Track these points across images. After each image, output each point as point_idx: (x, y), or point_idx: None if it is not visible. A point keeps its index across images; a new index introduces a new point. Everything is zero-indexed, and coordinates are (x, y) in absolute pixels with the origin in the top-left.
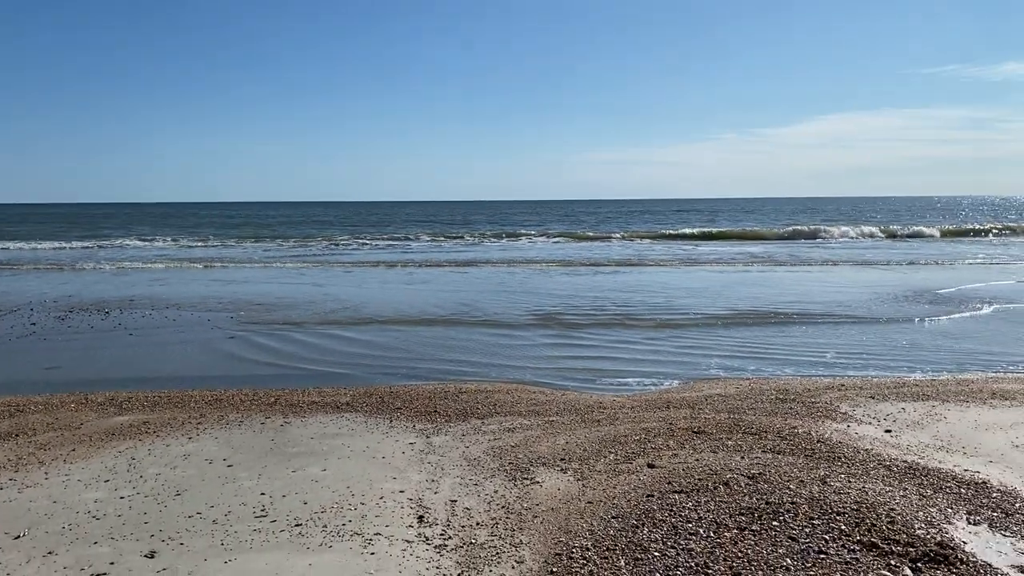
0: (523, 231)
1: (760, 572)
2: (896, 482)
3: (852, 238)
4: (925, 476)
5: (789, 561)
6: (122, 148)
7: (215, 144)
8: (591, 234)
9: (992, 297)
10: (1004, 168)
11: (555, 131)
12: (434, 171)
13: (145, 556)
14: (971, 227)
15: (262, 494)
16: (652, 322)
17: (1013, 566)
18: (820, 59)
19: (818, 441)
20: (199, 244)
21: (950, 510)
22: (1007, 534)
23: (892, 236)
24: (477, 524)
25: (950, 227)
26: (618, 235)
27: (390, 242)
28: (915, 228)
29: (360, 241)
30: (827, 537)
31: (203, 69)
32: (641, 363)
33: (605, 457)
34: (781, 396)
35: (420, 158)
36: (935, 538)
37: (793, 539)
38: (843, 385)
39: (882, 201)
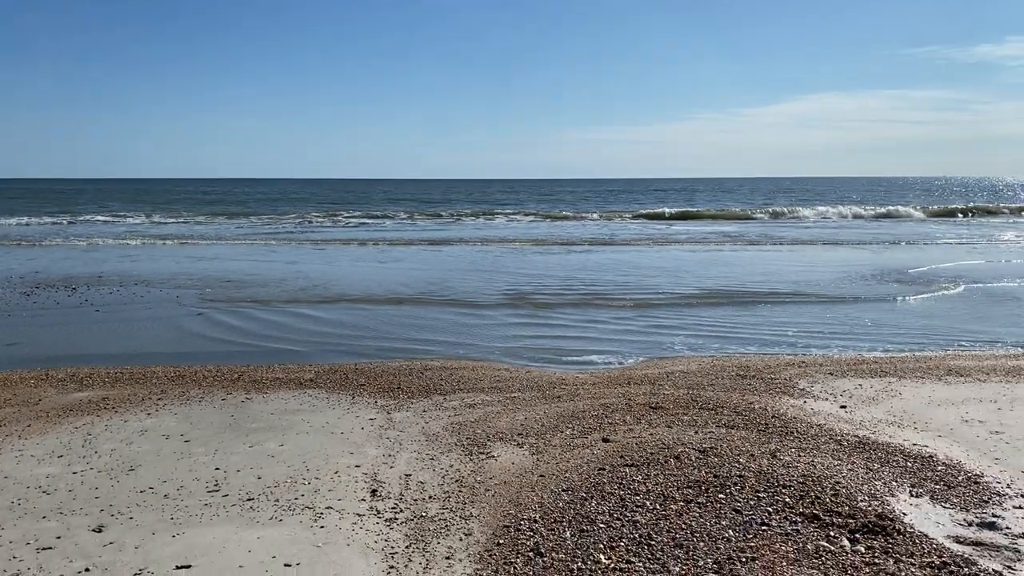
0: (499, 210)
1: (702, 543)
2: (845, 456)
3: (827, 218)
4: (874, 450)
5: (731, 532)
6: (94, 123)
7: (190, 120)
8: (568, 213)
9: (958, 276)
10: (979, 149)
11: (532, 109)
12: (410, 149)
13: (93, 531)
14: (946, 207)
15: (216, 469)
16: (621, 301)
17: (949, 536)
18: (798, 40)
19: (773, 416)
20: (171, 220)
21: (894, 483)
22: (947, 506)
23: (864, 217)
24: (429, 498)
25: (933, 207)
26: (594, 215)
27: (364, 220)
28: (889, 208)
29: (334, 219)
30: (771, 509)
31: (178, 43)
32: (607, 342)
33: (562, 432)
34: (741, 373)
35: (396, 136)
36: (876, 510)
37: (737, 511)
38: (803, 362)
39: (858, 182)
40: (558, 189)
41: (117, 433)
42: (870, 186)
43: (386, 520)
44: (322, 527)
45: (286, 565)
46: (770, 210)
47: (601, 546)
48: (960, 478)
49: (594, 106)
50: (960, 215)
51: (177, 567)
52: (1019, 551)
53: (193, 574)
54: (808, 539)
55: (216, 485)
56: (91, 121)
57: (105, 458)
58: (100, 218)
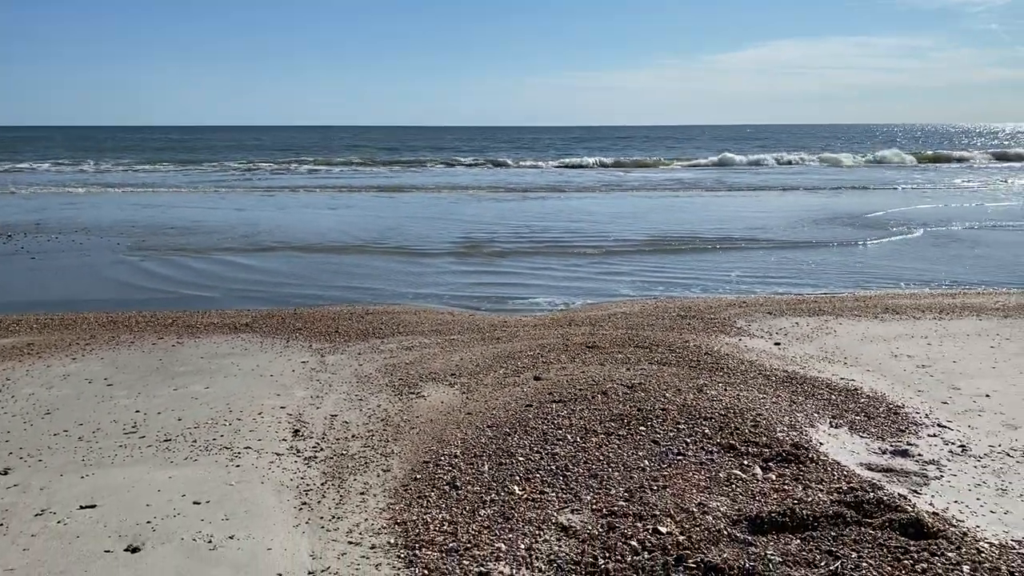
0: (460, 158)
1: (617, 473)
2: (771, 390)
3: (787, 163)
4: (801, 384)
5: (647, 463)
6: (32, 67)
7: (137, 65)
8: (525, 163)
9: (909, 220)
10: (939, 96)
11: (496, 55)
12: (371, 95)
13: None
14: (906, 155)
15: (136, 411)
16: (574, 249)
17: (861, 464)
18: None
19: (706, 353)
20: (118, 169)
21: (816, 414)
22: (864, 435)
23: (822, 163)
24: (352, 436)
25: (933, 152)
26: (552, 162)
27: (318, 167)
28: (844, 155)
29: (288, 165)
30: (688, 440)
31: None
32: (554, 288)
33: (495, 372)
34: (683, 313)
35: (356, 81)
36: (792, 440)
37: (656, 442)
38: (744, 302)
39: (822, 128)
40: (517, 136)
41: (38, 378)
42: (835, 133)
43: (305, 459)
44: (238, 466)
45: (195, 503)
46: (728, 156)
47: (517, 478)
48: (881, 409)
49: (559, 52)
50: (917, 161)
51: (81, 507)
52: (926, 476)
53: (97, 513)
54: (721, 468)
55: (134, 427)
56: (28, 65)
57: (22, 403)
58: (43, 166)
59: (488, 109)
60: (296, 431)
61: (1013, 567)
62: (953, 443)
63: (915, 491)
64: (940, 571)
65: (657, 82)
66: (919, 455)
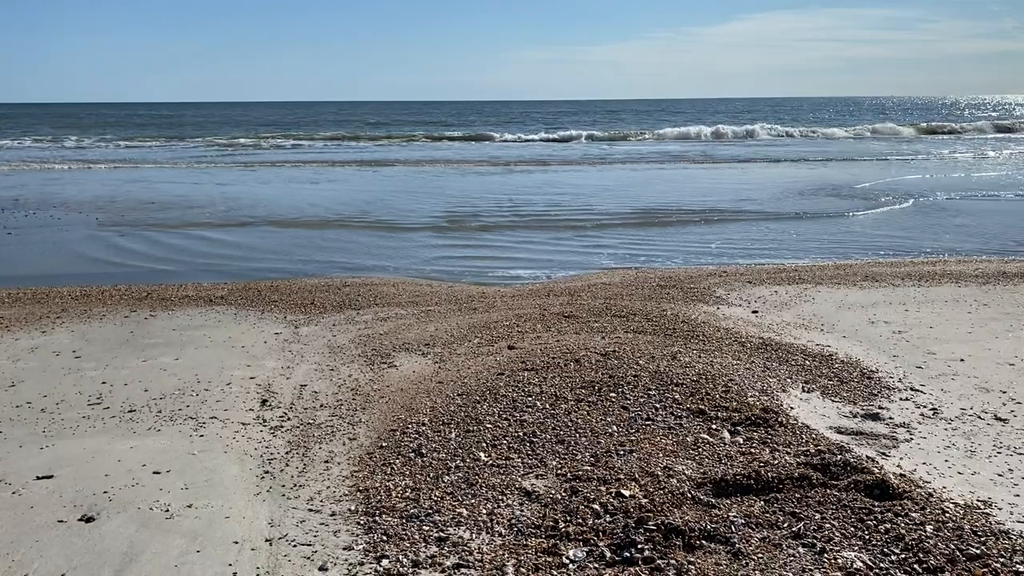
0: (446, 132)
1: (584, 439)
2: (746, 356)
3: (778, 135)
4: (776, 350)
5: (615, 428)
6: (17, 45)
7: (124, 40)
8: (509, 137)
9: (894, 190)
10: (928, 68)
11: (484, 30)
12: (359, 71)
13: None
14: (896, 127)
15: (103, 383)
16: (558, 222)
17: (831, 427)
18: None
19: (682, 321)
20: (100, 145)
21: (789, 380)
22: (835, 400)
23: (813, 136)
24: (321, 406)
25: (924, 125)
26: (540, 136)
27: (299, 142)
28: (835, 129)
29: (272, 140)
30: (658, 406)
31: None
32: (536, 262)
33: (470, 341)
34: (663, 284)
35: (343, 57)
36: (763, 404)
37: (625, 408)
38: (724, 272)
39: (811, 102)
40: (504, 111)
41: (5, 351)
42: (824, 106)
43: (271, 428)
44: (202, 436)
45: (155, 472)
46: (717, 130)
47: (484, 445)
48: (854, 374)
49: (546, 24)
50: (906, 133)
51: (38, 477)
52: (896, 439)
53: (54, 483)
54: (689, 432)
55: (99, 398)
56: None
57: None
58: (25, 142)
59: (477, 84)
60: (264, 401)
61: (977, 527)
62: (925, 406)
63: (884, 454)
64: (903, 531)
65: (645, 55)
66: (890, 418)
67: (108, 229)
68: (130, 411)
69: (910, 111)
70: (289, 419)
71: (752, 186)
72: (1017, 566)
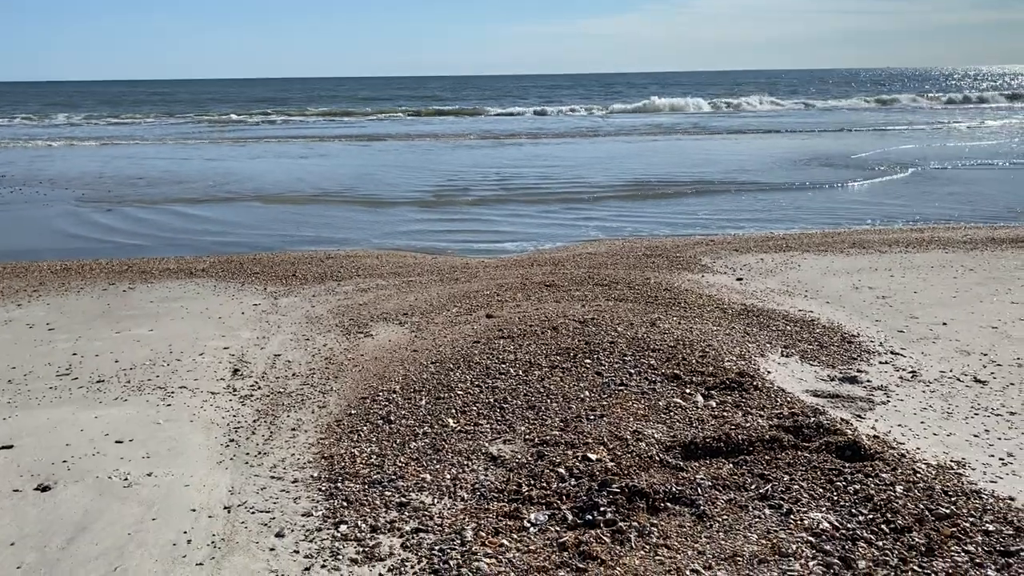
0: (438, 106)
1: (555, 404)
2: (726, 322)
3: (778, 105)
4: (757, 316)
5: (587, 394)
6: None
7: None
8: (501, 111)
9: (888, 160)
10: (926, 38)
11: (478, 2)
12: (354, 46)
13: None
14: (891, 98)
15: (74, 355)
16: (548, 195)
17: (807, 391)
18: None
19: (665, 289)
20: (89, 123)
21: (768, 344)
22: (814, 364)
23: (811, 107)
24: (293, 375)
25: (879, 97)
26: (533, 110)
27: (291, 117)
28: (832, 101)
29: (267, 116)
30: (633, 371)
31: None
32: (524, 235)
33: (448, 311)
34: (649, 252)
35: (339, 32)
36: (739, 368)
37: (599, 374)
38: (712, 241)
39: (810, 74)
40: (498, 86)
41: None
42: (823, 78)
43: (240, 397)
44: (169, 406)
45: (117, 442)
46: (715, 102)
47: (453, 411)
48: (835, 339)
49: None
50: (905, 102)
51: None
52: (872, 401)
53: (13, 454)
54: (662, 396)
55: (68, 369)
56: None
57: None
58: (16, 120)
59: (471, 59)
60: (236, 371)
61: (948, 487)
62: (904, 369)
63: (859, 416)
64: (872, 492)
65: (640, 28)
66: (868, 381)
67: (87, 205)
68: (98, 382)
69: (908, 82)
70: (259, 388)
71: (745, 157)
72: (987, 525)
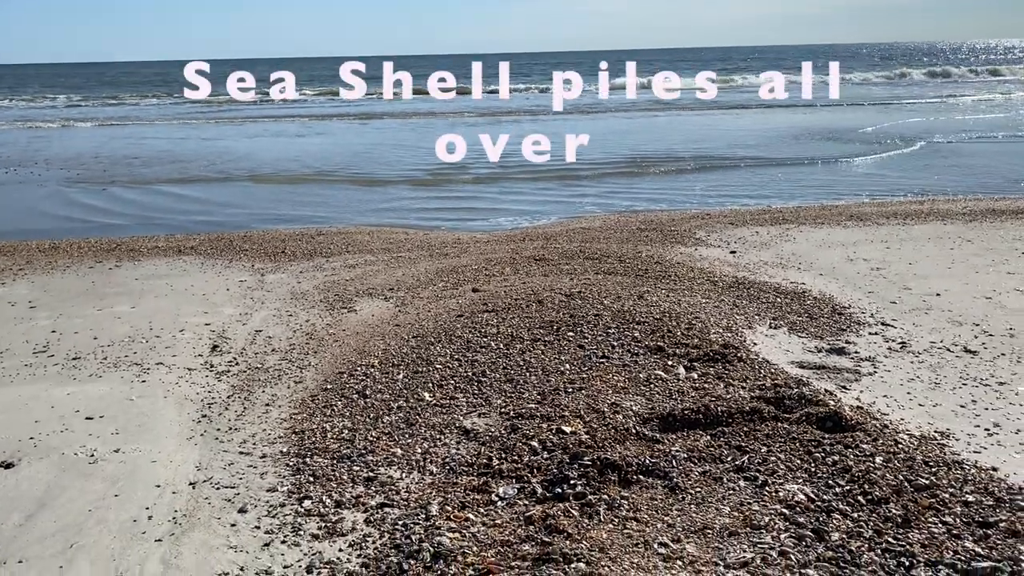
0: (440, 85)
1: (534, 377)
2: (716, 295)
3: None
4: (747, 288)
5: (568, 366)
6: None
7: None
8: (501, 88)
9: (892, 134)
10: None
11: None
12: (353, 24)
13: None
14: (897, 72)
15: (52, 332)
16: (546, 172)
17: (793, 362)
18: None
19: (656, 263)
20: (86, 104)
21: (756, 316)
22: (802, 335)
23: (815, 82)
24: (272, 351)
25: (886, 72)
26: (534, 87)
27: (286, 97)
28: (842, 75)
29: (264, 94)
30: (615, 344)
31: None
32: (519, 212)
33: (435, 285)
34: (643, 227)
35: (339, 10)
36: (724, 340)
37: (581, 347)
38: (707, 215)
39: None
40: (499, 62)
41: None
42: (843, 52)
43: (217, 373)
44: (143, 382)
45: (88, 418)
46: (720, 79)
47: (430, 385)
48: (825, 310)
49: None
50: (911, 77)
51: None
52: (859, 372)
53: None
54: (644, 368)
55: (45, 346)
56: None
57: None
58: (15, 101)
59: (474, 37)
60: (215, 347)
61: (930, 457)
62: (894, 340)
63: (844, 387)
64: (851, 463)
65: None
66: (856, 352)
67: (78, 185)
68: (75, 359)
69: (917, 55)
70: (237, 364)
71: (747, 132)
72: (967, 496)
